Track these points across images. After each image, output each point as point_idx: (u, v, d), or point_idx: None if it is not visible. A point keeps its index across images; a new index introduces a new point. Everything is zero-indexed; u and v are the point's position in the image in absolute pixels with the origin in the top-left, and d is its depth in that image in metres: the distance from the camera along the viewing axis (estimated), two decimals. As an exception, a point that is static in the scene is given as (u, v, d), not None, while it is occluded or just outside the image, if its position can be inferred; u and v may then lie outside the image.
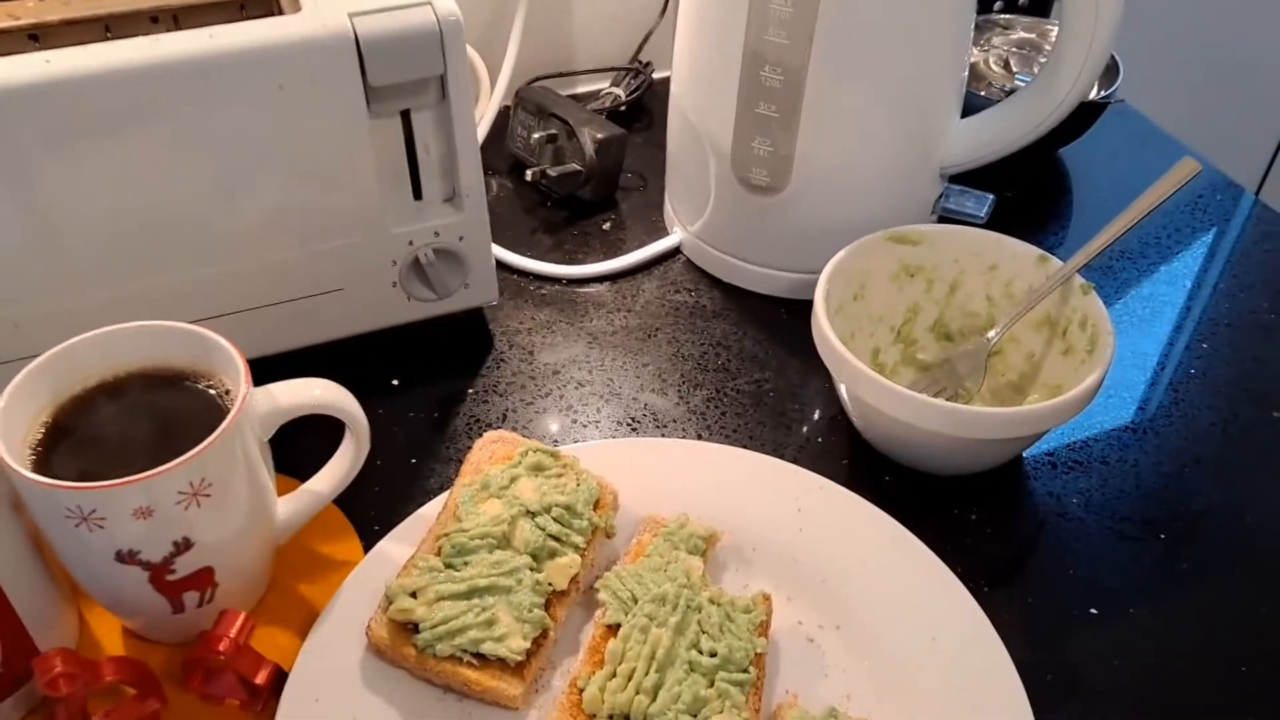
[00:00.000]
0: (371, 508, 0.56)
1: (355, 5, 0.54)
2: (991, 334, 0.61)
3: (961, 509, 0.58)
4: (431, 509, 0.54)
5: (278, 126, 0.54)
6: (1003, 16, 0.86)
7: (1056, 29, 0.67)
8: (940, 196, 0.70)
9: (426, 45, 0.54)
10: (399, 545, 0.52)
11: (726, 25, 0.62)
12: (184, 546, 0.45)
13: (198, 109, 0.52)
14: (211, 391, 0.47)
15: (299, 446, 0.52)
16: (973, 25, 0.65)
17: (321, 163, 0.56)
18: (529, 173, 0.75)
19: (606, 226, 0.77)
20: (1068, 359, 0.59)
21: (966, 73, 0.67)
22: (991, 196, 0.70)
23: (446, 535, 0.50)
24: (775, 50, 0.61)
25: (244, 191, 0.55)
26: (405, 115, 0.57)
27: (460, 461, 0.57)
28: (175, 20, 0.57)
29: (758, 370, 0.66)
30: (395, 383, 0.64)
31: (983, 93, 0.80)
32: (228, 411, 0.45)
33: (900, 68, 0.62)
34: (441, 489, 0.57)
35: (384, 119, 0.57)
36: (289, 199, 0.56)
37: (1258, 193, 1.46)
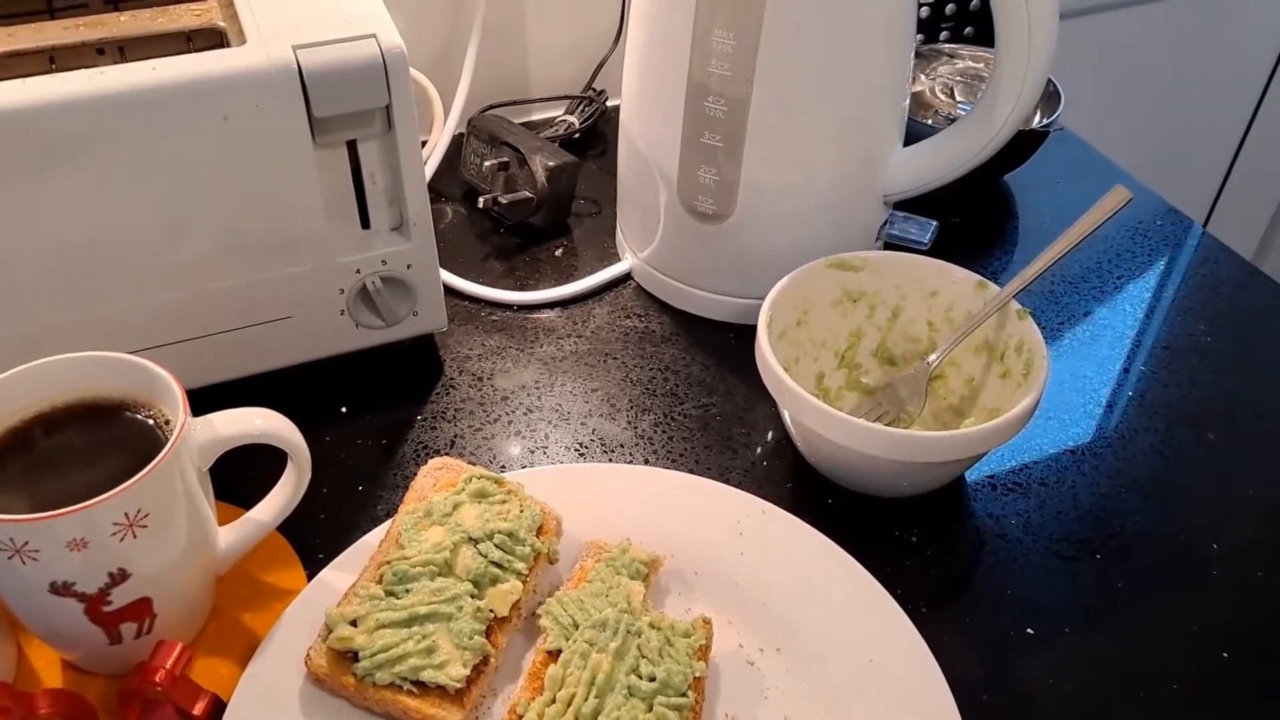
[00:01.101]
0: (317, 535, 0.57)
1: (300, 37, 0.54)
2: (932, 358, 0.62)
3: (903, 530, 0.59)
4: (375, 537, 0.54)
5: (224, 157, 0.54)
6: (948, 45, 0.88)
7: (995, 60, 0.69)
8: (885, 223, 0.72)
9: (371, 77, 0.55)
10: (341, 574, 0.52)
11: (671, 57, 0.63)
12: (120, 577, 0.45)
13: (142, 141, 0.52)
14: (150, 421, 0.48)
15: (243, 474, 0.52)
16: (913, 55, 0.66)
17: (268, 192, 0.56)
18: (481, 200, 0.76)
19: (559, 253, 0.78)
20: (1005, 383, 0.60)
21: (908, 101, 0.69)
22: (935, 223, 0.72)
23: (388, 563, 0.51)
24: (719, 82, 0.62)
25: (190, 221, 0.55)
26: (351, 145, 0.58)
27: (408, 489, 0.58)
28: (121, 52, 0.57)
29: (705, 395, 0.67)
30: (344, 410, 0.65)
31: (929, 121, 0.82)
32: (166, 441, 0.45)
33: (842, 99, 0.63)
34: (388, 516, 0.57)
35: (329, 149, 0.57)
36: (235, 228, 0.57)
37: (1206, 221, 1.50)
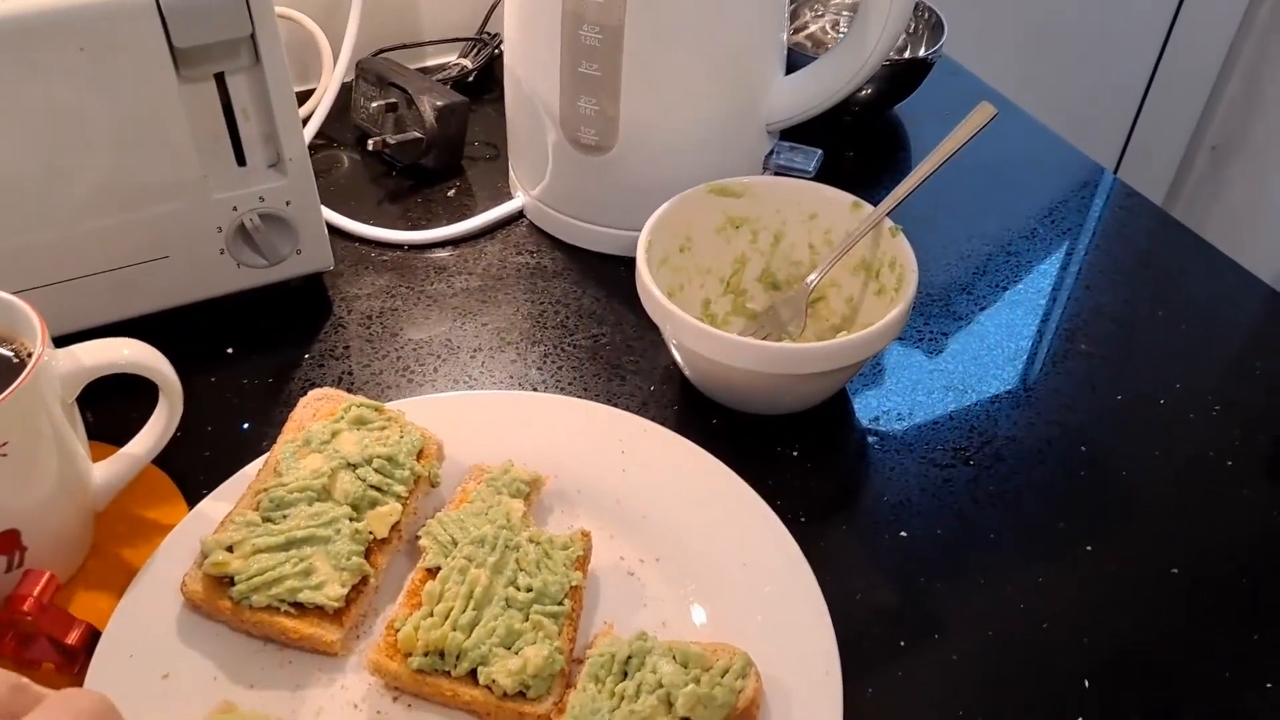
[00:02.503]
0: (201, 472, 0.56)
1: (157, -34, 0.53)
2: (811, 278, 0.63)
3: (785, 447, 0.60)
4: (254, 468, 0.54)
5: (87, 91, 0.53)
6: (838, -18, 0.89)
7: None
8: (770, 153, 0.73)
9: (231, 4, 0.54)
10: (220, 504, 0.52)
11: (546, -14, 0.63)
12: (-17, 508, 0.44)
13: (6, 74, 0.51)
14: (10, 354, 0.47)
15: (124, 415, 0.52)
16: (788, -16, 0.67)
17: (135, 128, 0.56)
18: (370, 141, 0.76)
19: (451, 194, 0.78)
20: (880, 299, 0.62)
21: (786, 31, 0.70)
22: (819, 151, 0.73)
23: (265, 490, 0.51)
24: (593, 10, 0.62)
25: (59, 159, 0.55)
26: (220, 80, 0.57)
27: (290, 422, 0.58)
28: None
29: (595, 326, 0.68)
30: (230, 351, 0.64)
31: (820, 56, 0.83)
32: (24, 372, 0.44)
33: (717, 26, 0.64)
34: (272, 451, 0.57)
35: (196, 83, 0.57)
36: (105, 166, 0.56)
37: (1117, 167, 1.53)
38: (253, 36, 0.56)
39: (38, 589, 0.45)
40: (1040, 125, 0.87)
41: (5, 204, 0.55)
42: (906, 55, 0.84)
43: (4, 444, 0.43)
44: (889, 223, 0.62)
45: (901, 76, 0.82)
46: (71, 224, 0.57)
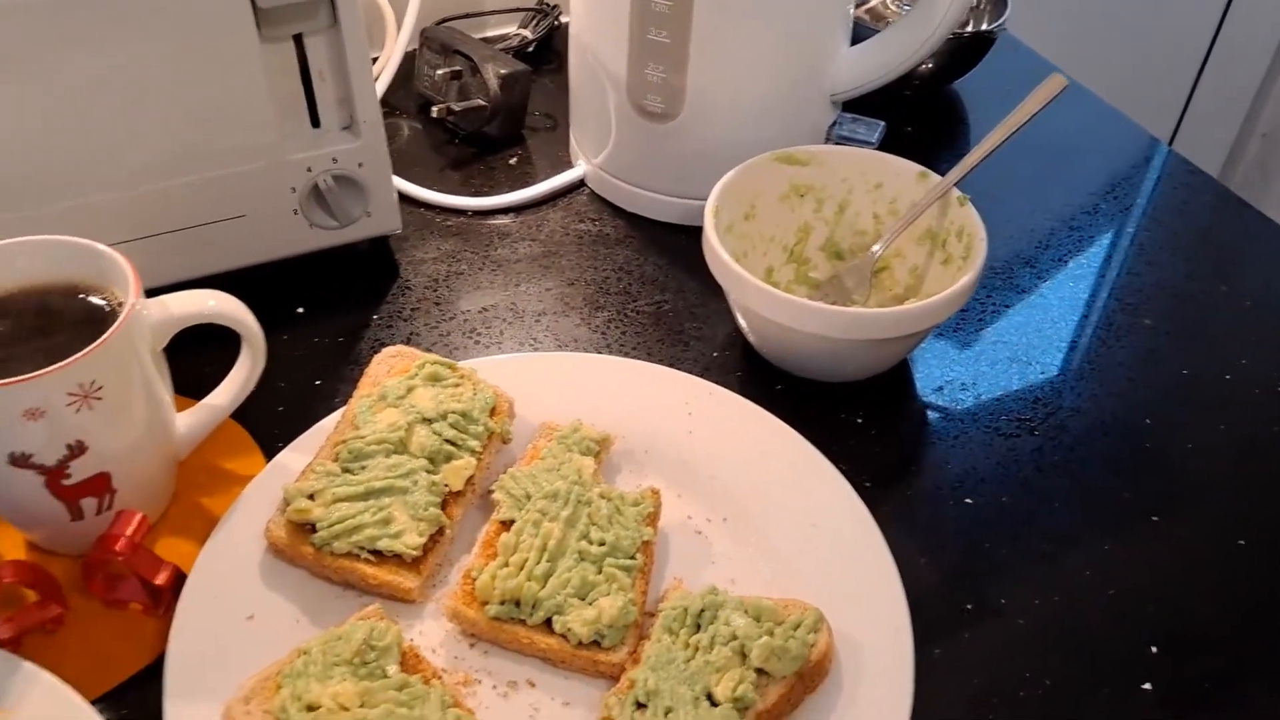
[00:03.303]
0: (275, 426, 0.58)
1: (242, -72, 0.54)
2: (876, 248, 0.63)
3: (848, 413, 0.61)
4: (330, 421, 0.55)
5: (171, 51, 0.54)
6: (898, -43, 0.89)
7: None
8: (833, 124, 0.73)
9: (314, -34, 0.55)
10: (299, 455, 0.54)
11: (616, -47, 0.64)
12: (78, 450, 0.46)
13: (90, 35, 0.52)
14: (104, 304, 0.48)
15: (200, 370, 0.54)
16: (856, -46, 0.67)
17: (217, 88, 0.57)
18: (434, 109, 0.77)
19: (513, 162, 0.78)
20: (947, 269, 0.62)
21: (854, 4, 0.70)
22: (882, 123, 0.73)
23: (344, 442, 0.52)
24: (663, -24, 0.63)
25: (142, 118, 0.56)
26: (298, 41, 0.58)
27: (363, 379, 0.59)
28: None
29: (658, 293, 0.68)
30: (300, 310, 0.65)
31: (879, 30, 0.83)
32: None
33: (786, -6, 0.64)
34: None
35: (276, 43, 0.57)
36: (187, 125, 0.57)
37: (1171, 139, 1.52)
38: (332, -2, 0.57)
39: (130, 529, 0.46)
40: (1099, 100, 0.86)
41: (87, 161, 0.56)
42: (969, 30, 0.84)
43: (99, 388, 0.45)
44: (957, 192, 0.62)
45: (964, 51, 0.81)
46: (151, 182, 0.58)
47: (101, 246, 0.48)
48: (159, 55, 0.54)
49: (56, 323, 0.48)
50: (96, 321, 0.47)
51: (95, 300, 0.49)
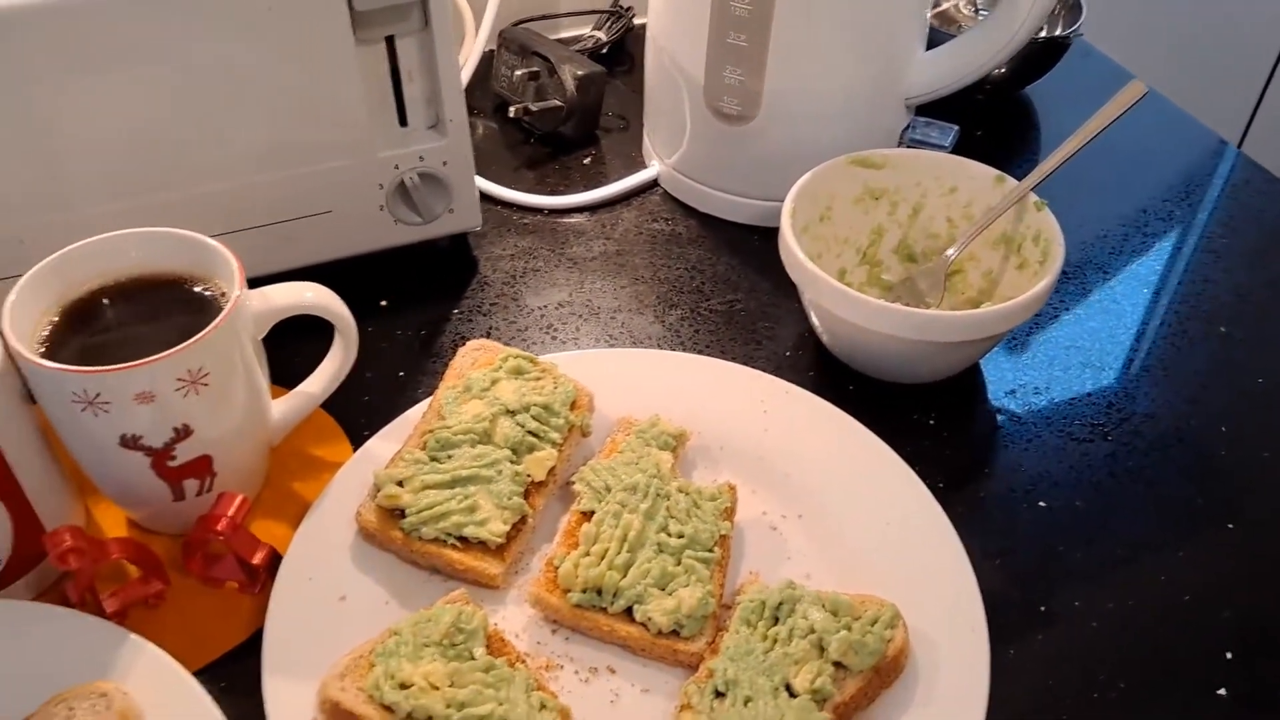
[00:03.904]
0: (362, 415, 0.59)
1: (341, -67, 0.56)
2: (950, 251, 0.64)
3: (921, 415, 0.61)
4: (416, 412, 0.57)
5: (270, 50, 0.56)
6: (971, -39, 0.89)
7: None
8: (907, 127, 0.73)
9: (409, -29, 0.57)
10: (387, 443, 0.55)
11: (697, -42, 0.65)
12: (184, 433, 0.48)
13: (191, 33, 0.54)
14: (208, 294, 0.51)
15: (290, 360, 0.55)
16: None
17: (312, 87, 0.59)
18: (512, 109, 0.78)
19: (587, 161, 0.80)
20: (1022, 273, 0.62)
21: (930, 7, 0.70)
22: (956, 127, 0.73)
23: (431, 431, 0.54)
24: (744, -19, 0.64)
25: (238, 115, 0.58)
26: (390, 42, 0.60)
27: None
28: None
29: (730, 292, 0.69)
30: (384, 304, 0.67)
31: (953, 35, 0.83)
32: (224, 310, 0.48)
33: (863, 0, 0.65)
34: (428, 397, 0.60)
35: (369, 45, 0.59)
36: (281, 122, 0.59)
37: (1240, 143, 1.49)
38: (424, 1, 0.58)
39: (232, 509, 0.48)
40: (1169, 103, 0.86)
41: (183, 156, 0.58)
42: (1044, 35, 0.84)
43: (206, 374, 0.47)
44: (1034, 197, 0.62)
45: (1038, 56, 0.81)
46: (244, 177, 0.60)
47: (208, 239, 0.50)
48: (260, 54, 0.56)
49: (165, 310, 0.50)
50: (203, 310, 0.49)
51: (201, 290, 0.51)
